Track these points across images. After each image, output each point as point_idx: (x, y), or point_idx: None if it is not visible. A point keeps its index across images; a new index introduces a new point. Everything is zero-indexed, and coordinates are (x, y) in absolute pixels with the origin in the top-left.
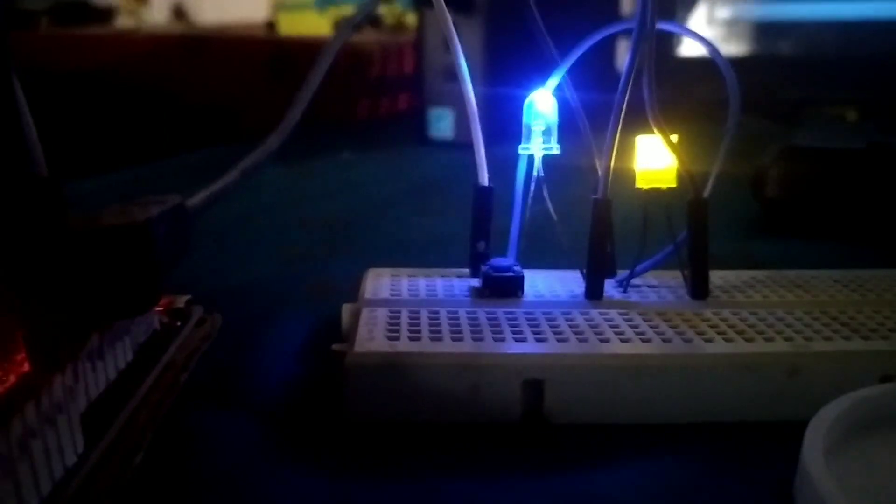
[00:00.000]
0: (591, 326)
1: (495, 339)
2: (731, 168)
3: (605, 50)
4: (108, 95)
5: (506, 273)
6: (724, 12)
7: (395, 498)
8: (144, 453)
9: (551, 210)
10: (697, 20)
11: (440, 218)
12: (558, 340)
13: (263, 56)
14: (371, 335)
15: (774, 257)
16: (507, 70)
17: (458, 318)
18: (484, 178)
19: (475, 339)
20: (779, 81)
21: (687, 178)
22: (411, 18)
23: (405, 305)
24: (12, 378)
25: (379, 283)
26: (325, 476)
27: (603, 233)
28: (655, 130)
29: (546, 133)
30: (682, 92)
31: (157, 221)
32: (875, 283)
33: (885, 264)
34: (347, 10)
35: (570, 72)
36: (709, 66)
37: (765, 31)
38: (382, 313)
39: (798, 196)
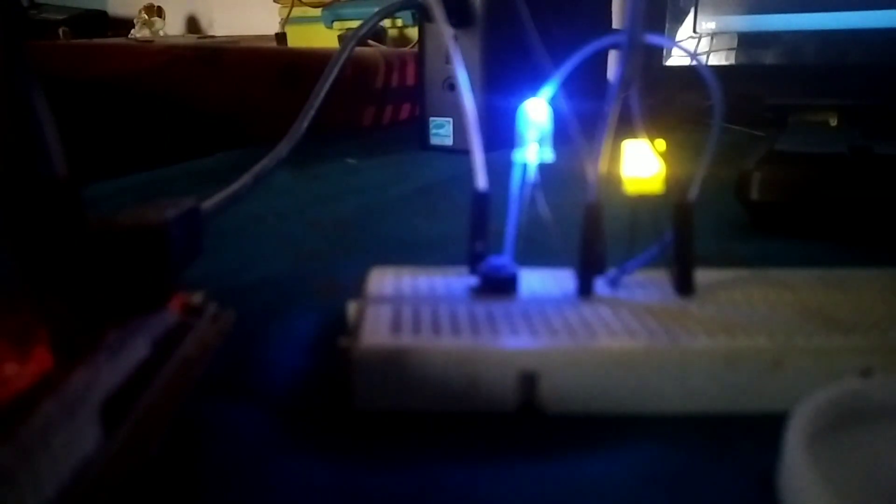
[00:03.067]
0: (582, 321)
1: (492, 334)
2: (716, 172)
3: (598, 60)
4: (124, 103)
5: (502, 272)
6: (709, 24)
7: (396, 483)
8: (160, 444)
9: (545, 213)
10: (685, 31)
11: (440, 220)
12: (551, 335)
13: (273, 67)
14: (375, 330)
15: (757, 257)
16: (505, 80)
17: (456, 314)
18: (482, 183)
19: (473, 334)
20: (763, 89)
21: (673, 182)
22: (413, 32)
23: (407, 302)
24: (36, 372)
25: (382, 280)
26: (332, 463)
27: (594, 234)
28: (643, 136)
29: (540, 141)
30: (671, 99)
31: (172, 223)
32: (856, 282)
33: (866, 264)
34: (353, 23)
35: (563, 82)
36: (695, 75)
37: (749, 42)
38: (386, 309)
39: (781, 199)
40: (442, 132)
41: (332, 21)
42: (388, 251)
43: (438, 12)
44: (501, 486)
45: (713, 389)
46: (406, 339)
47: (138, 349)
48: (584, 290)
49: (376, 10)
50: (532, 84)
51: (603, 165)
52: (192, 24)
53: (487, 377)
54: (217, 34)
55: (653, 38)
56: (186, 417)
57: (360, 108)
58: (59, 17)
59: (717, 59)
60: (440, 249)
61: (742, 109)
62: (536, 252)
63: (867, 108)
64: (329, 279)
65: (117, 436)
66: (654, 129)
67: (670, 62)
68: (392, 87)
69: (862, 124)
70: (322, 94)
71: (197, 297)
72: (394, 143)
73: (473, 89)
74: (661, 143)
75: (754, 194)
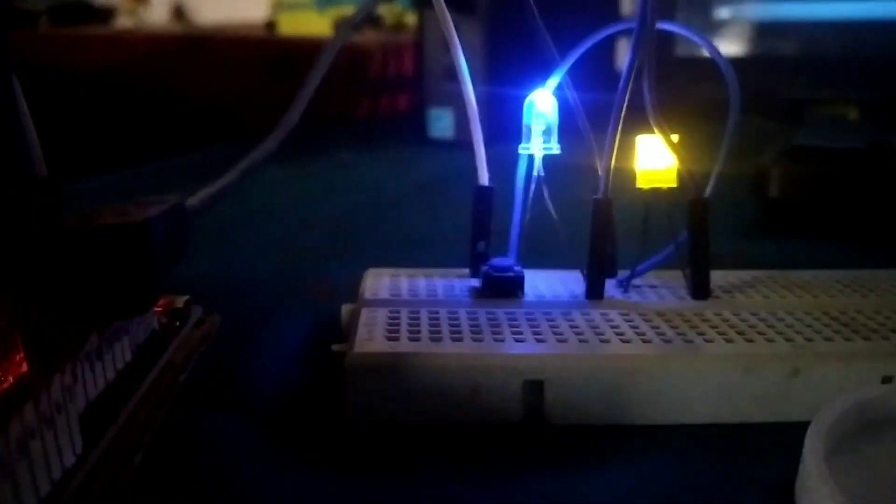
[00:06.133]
0: (592, 327)
1: (495, 340)
2: (732, 168)
3: (605, 50)
4: (108, 95)
5: (506, 273)
6: (724, 12)
7: (395, 499)
8: (143, 454)
9: (551, 210)
10: (697, 20)
11: (440, 218)
12: (558, 341)
13: (263, 56)
14: (370, 336)
15: (776, 257)
16: (508, 70)
17: (457, 319)
18: (484, 178)
19: (475, 340)
20: (780, 81)
21: (688, 178)
22: (411, 18)
23: (405, 306)
24: (10, 379)
25: (378, 283)
26: (324, 477)
27: (604, 233)
28: (656, 130)
29: (546, 133)
30: (683, 92)
31: (155, 221)
32: (876, 284)
33: (887, 264)
34: (347, 9)
35: (570, 72)
36: (709, 66)
37: (765, 31)
38: (382, 313)
39: (799, 196)
40: (442, 124)
41: (325, 6)
42: (385, 251)
43: None
44: (505, 502)
45: (730, 398)
46: (403, 346)
47: (121, 355)
48: (594, 292)
49: None
50: (537, 74)
51: (613, 159)
52: (178, 12)
53: (491, 386)
54: (204, 22)
55: (665, 26)
56: (170, 426)
57: (354, 98)
58: (41, 6)
59: (731, 50)
60: (440, 249)
61: (757, 102)
62: (543, 252)
63: (888, 101)
64: (321, 281)
65: (99, 446)
66: (667, 121)
67: (682, 52)
68: (389, 76)
69: (882, 119)
70: (314, 84)
71: (181, 301)
72: (391, 136)
73: (475, 80)
74: (674, 137)
75: (773, 191)
